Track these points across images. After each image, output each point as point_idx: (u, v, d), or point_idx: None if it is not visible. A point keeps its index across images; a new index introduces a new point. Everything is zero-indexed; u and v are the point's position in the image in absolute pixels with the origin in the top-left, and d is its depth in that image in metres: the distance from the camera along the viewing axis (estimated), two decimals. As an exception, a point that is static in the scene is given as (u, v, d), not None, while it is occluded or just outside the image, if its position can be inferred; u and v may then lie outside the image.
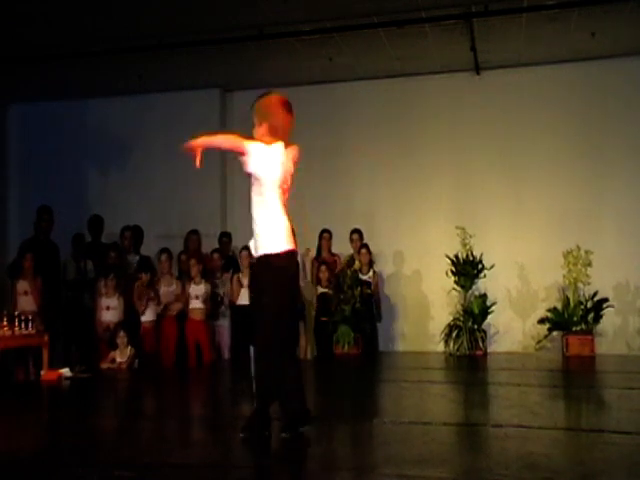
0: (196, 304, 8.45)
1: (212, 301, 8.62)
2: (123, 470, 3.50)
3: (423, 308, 9.76)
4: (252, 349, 4.41)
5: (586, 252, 8.61)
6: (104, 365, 7.77)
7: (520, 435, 4.15)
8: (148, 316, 8.32)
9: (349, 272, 8.81)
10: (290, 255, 4.12)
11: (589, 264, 8.59)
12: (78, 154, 10.60)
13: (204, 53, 8.82)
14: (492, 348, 9.02)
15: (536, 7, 7.77)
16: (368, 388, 6.41)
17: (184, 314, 8.50)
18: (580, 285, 8.65)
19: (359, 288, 8.73)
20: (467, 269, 8.79)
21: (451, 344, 8.62)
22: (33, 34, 8.27)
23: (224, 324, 8.75)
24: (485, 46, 8.81)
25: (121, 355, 7.78)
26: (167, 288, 8.58)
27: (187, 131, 10.43)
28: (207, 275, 8.74)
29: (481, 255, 8.80)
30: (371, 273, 9.09)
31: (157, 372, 7.95)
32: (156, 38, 8.34)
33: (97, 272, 8.70)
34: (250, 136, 4.27)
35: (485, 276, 8.86)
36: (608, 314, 8.66)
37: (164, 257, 8.63)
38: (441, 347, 8.83)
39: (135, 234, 9.19)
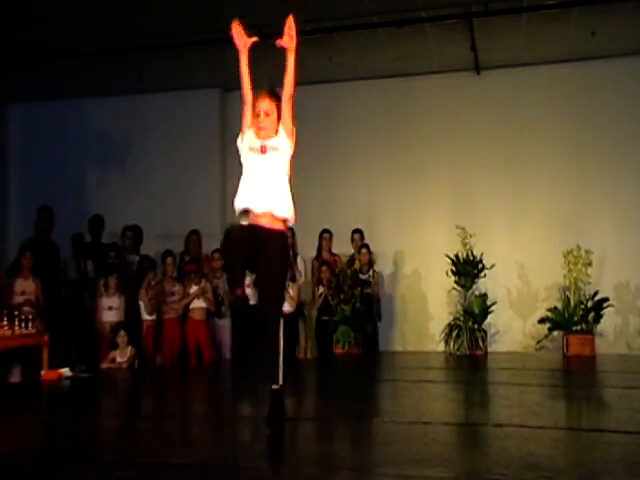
0: (196, 303, 8.43)
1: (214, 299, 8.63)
2: (123, 470, 3.50)
3: (423, 308, 9.76)
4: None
5: (586, 252, 8.60)
6: (104, 365, 7.76)
7: (520, 435, 4.14)
8: (151, 315, 8.32)
9: (349, 272, 8.80)
10: None
11: (589, 264, 8.59)
12: (78, 154, 10.60)
13: (204, 53, 8.82)
14: (492, 348, 9.02)
15: (536, 7, 7.78)
16: (368, 388, 6.40)
17: (185, 314, 8.48)
18: (580, 285, 8.64)
19: (359, 288, 8.74)
20: (467, 269, 8.79)
21: (451, 344, 8.61)
22: (33, 34, 8.27)
23: (224, 324, 8.74)
24: (485, 46, 8.81)
25: (121, 355, 7.76)
26: (170, 288, 8.54)
27: (187, 131, 10.62)
28: (207, 276, 8.73)
29: (481, 255, 8.79)
30: (371, 273, 9.09)
31: (157, 372, 7.95)
32: (156, 38, 8.34)
33: (97, 272, 8.70)
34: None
35: (485, 276, 8.86)
36: (608, 314, 8.65)
37: (170, 260, 8.57)
38: (441, 347, 8.82)
39: (136, 234, 9.19)
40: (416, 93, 9.89)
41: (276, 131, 4.33)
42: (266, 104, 4.30)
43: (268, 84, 4.42)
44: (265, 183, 4.23)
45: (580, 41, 8.75)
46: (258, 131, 4.31)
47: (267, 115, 4.29)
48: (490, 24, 8.17)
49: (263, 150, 4.27)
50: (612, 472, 3.37)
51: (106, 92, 10.34)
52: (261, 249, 4.14)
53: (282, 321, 4.27)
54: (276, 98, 4.34)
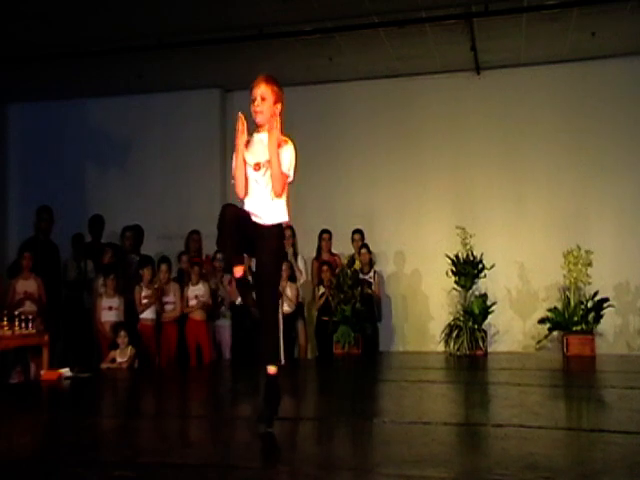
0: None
1: (212, 301, 8.61)
2: (123, 470, 3.50)
3: (423, 308, 9.76)
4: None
5: (586, 252, 8.61)
6: (104, 365, 7.76)
7: (520, 435, 4.14)
8: (147, 314, 8.30)
9: (349, 272, 8.81)
10: None
11: (589, 264, 8.59)
12: (78, 154, 10.60)
13: (204, 53, 8.82)
14: (492, 348, 9.02)
15: (536, 7, 7.78)
16: (368, 388, 6.41)
17: (184, 315, 8.47)
18: (580, 285, 8.65)
19: (359, 288, 8.74)
20: (467, 269, 8.79)
21: (451, 344, 8.61)
22: (33, 34, 8.27)
23: (225, 324, 8.73)
24: (485, 46, 8.81)
25: (121, 355, 7.77)
26: (164, 297, 8.50)
27: (187, 131, 10.62)
28: (207, 276, 8.72)
29: (481, 255, 8.80)
30: (372, 273, 9.09)
31: (157, 372, 7.95)
32: (156, 38, 8.34)
33: (97, 272, 8.69)
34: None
35: (485, 276, 8.86)
36: (608, 314, 8.65)
37: (164, 267, 8.51)
38: (441, 347, 8.82)
39: (136, 234, 9.19)
40: (416, 93, 9.89)
41: (273, 115, 4.16)
42: (262, 88, 4.17)
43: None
44: (259, 206, 4.09)
45: (580, 41, 8.75)
46: (255, 115, 4.18)
47: (263, 99, 4.15)
48: (490, 24, 8.16)
49: (256, 167, 4.13)
50: (612, 472, 3.37)
51: (106, 92, 10.34)
52: (258, 238, 4.08)
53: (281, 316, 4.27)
54: (273, 82, 4.20)
